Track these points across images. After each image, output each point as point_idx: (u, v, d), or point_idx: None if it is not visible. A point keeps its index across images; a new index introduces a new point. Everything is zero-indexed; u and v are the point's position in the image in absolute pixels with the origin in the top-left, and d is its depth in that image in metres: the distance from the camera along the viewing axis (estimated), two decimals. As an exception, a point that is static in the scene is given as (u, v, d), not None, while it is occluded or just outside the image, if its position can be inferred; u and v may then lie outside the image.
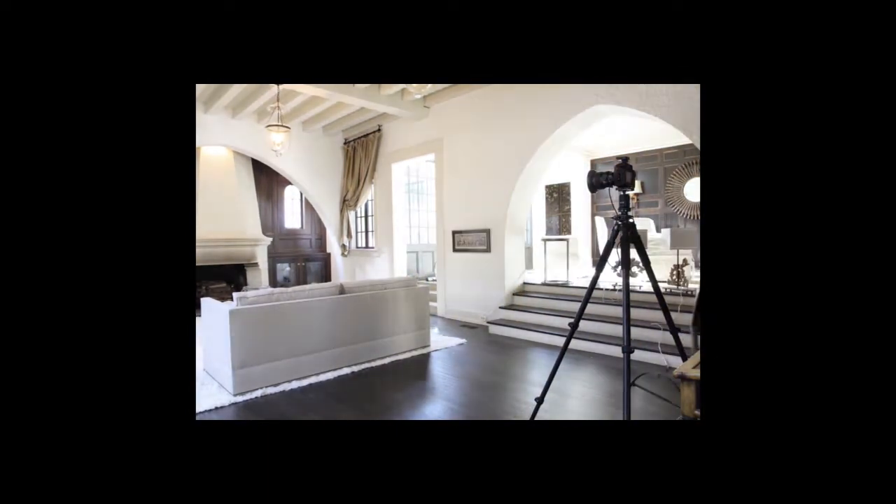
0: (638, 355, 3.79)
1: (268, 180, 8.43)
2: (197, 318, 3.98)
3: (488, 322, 5.40)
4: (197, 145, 6.52)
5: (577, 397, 3.15)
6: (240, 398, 3.12)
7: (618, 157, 2.16)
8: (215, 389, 3.28)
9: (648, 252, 2.54)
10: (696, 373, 1.42)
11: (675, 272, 4.76)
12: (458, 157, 6.08)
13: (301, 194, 8.77)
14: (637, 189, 7.90)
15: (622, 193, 2.13)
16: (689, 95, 3.79)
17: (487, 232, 5.72)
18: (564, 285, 5.42)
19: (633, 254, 2.22)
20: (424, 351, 4.37)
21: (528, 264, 8.10)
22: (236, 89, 5.76)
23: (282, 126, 4.90)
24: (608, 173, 2.12)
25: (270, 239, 8.03)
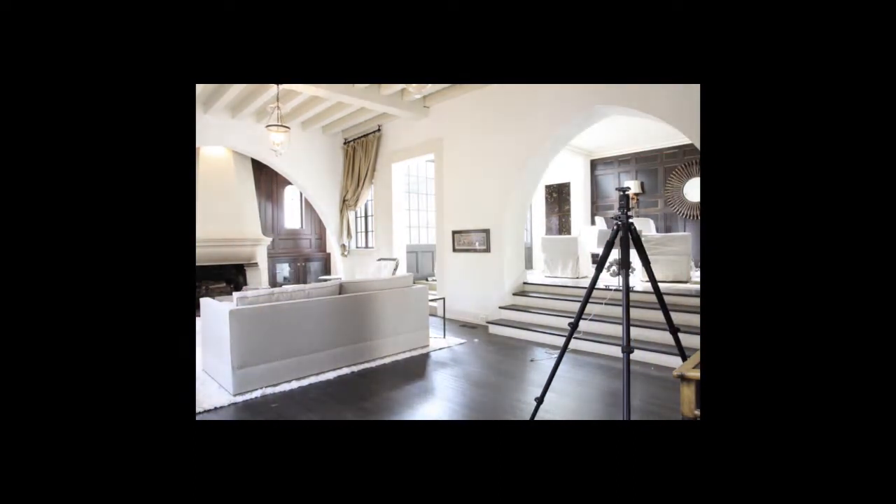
0: (638, 355, 3.79)
1: (268, 180, 8.43)
2: (197, 318, 3.98)
3: (488, 322, 5.40)
4: (197, 145, 6.52)
5: (577, 397, 3.15)
6: (239, 398, 3.12)
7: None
8: (215, 389, 3.28)
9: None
10: (696, 373, 1.41)
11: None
12: (458, 156, 6.08)
13: (301, 194, 8.77)
14: (637, 189, 7.91)
15: (622, 194, 2.14)
16: (689, 95, 3.79)
17: (487, 232, 5.72)
18: (564, 285, 5.42)
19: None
20: (424, 351, 4.37)
21: (528, 264, 8.11)
22: (236, 89, 5.76)
23: (281, 126, 4.89)
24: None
25: (270, 239, 8.03)
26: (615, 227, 2.15)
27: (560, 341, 4.41)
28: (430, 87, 5.76)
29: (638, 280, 5.21)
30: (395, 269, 5.82)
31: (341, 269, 8.38)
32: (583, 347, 4.32)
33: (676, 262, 4.99)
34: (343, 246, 8.16)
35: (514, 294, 5.62)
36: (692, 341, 3.33)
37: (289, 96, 5.99)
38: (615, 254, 2.16)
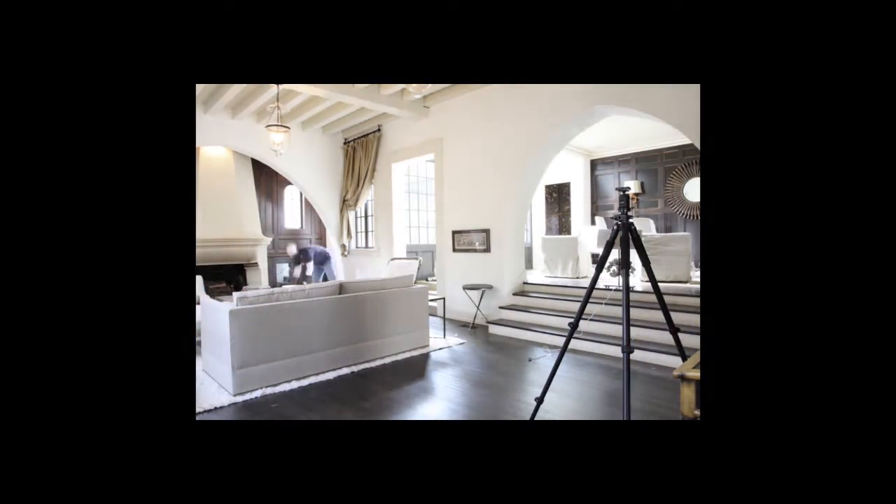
0: (638, 355, 3.79)
1: (268, 180, 8.43)
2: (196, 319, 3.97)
3: (488, 322, 5.40)
4: (197, 145, 6.51)
5: (578, 397, 3.15)
6: (239, 398, 3.12)
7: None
8: (215, 389, 3.28)
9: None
10: (696, 373, 1.41)
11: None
12: (458, 156, 6.08)
13: (301, 194, 8.77)
14: (637, 189, 7.91)
15: (622, 194, 2.14)
16: (689, 95, 3.79)
17: (487, 232, 5.71)
18: (564, 285, 5.42)
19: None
20: (424, 351, 4.37)
21: (528, 264, 8.11)
22: (236, 89, 5.76)
23: (281, 126, 4.89)
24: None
25: (270, 239, 8.03)
26: (615, 227, 2.15)
27: (560, 341, 4.41)
28: (430, 87, 5.76)
29: (638, 280, 5.21)
30: (418, 271, 5.16)
31: (341, 269, 8.38)
32: (583, 347, 4.32)
33: (676, 262, 4.98)
34: (343, 246, 8.16)
35: (514, 294, 5.62)
36: (692, 341, 3.33)
37: (289, 96, 5.99)
38: (615, 254, 2.16)
